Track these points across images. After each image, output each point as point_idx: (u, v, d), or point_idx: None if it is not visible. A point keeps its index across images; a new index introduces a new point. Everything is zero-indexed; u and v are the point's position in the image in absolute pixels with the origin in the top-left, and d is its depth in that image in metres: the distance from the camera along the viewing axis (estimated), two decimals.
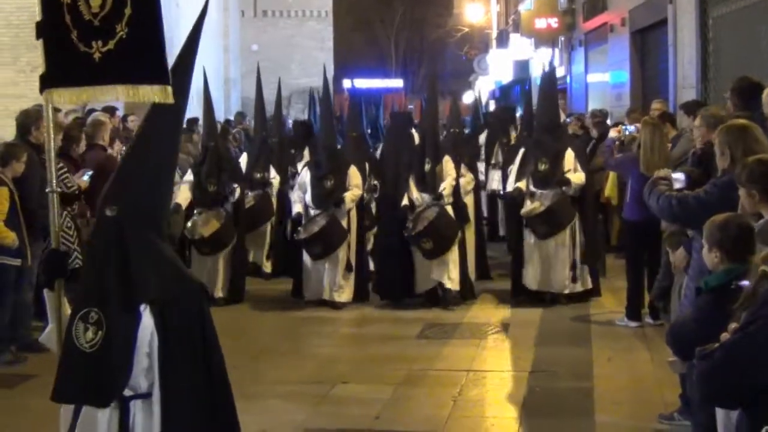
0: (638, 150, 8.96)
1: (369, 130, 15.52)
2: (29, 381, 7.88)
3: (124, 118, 14.66)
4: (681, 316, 5.33)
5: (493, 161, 14.80)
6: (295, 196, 11.11)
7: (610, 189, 13.22)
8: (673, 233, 6.17)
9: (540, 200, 10.43)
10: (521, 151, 11.15)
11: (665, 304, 7.18)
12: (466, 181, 11.83)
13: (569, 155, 10.51)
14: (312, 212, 10.74)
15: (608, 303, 10.44)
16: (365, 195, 11.44)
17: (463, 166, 11.75)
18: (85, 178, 9.52)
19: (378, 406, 7.11)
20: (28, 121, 8.84)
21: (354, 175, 10.78)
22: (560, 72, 24.83)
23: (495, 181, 14.17)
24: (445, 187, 10.60)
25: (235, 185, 11.19)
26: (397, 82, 47.80)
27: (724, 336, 3.59)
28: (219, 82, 29.71)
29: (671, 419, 6.51)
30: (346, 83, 43.04)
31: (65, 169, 9.09)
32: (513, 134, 14.65)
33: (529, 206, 10.50)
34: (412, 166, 10.81)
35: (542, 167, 10.46)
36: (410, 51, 51.38)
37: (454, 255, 10.51)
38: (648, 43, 18.00)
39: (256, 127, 13.71)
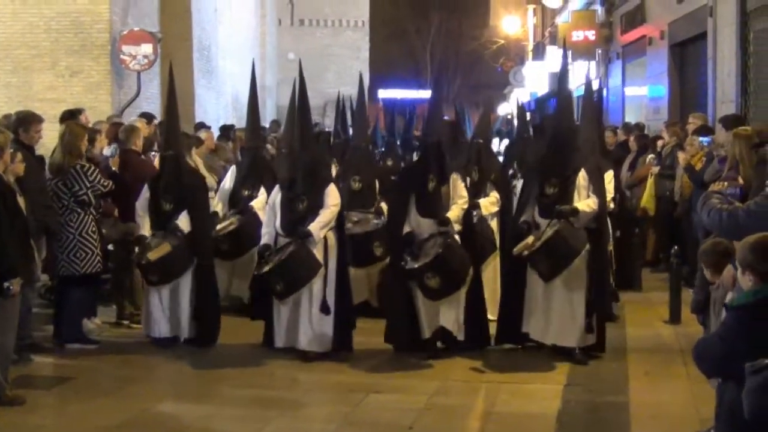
0: (735, 166, 8.06)
1: (399, 142, 15.11)
2: (65, 384, 7.97)
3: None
4: (708, 334, 5.38)
5: None
6: (265, 219, 9.10)
7: (646, 200, 13.03)
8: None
9: (539, 234, 8.51)
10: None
11: (704, 319, 7.11)
12: (490, 201, 10.14)
13: (581, 177, 8.62)
14: (281, 241, 8.81)
15: (646, 319, 10.32)
16: (375, 221, 10.30)
17: (489, 183, 10.24)
18: (108, 152, 10.10)
19: (412, 416, 7.05)
20: (17, 123, 9.02)
21: (332, 194, 8.80)
22: (596, 85, 24.78)
23: None
24: (454, 211, 8.66)
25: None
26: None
27: None
28: None
29: None
30: (381, 93, 43.13)
31: (96, 170, 9.24)
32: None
33: (523, 242, 8.54)
34: (413, 186, 8.84)
35: (550, 191, 8.60)
36: (445, 62, 51.38)
37: (462, 295, 8.69)
38: (687, 56, 17.91)
39: (247, 137, 11.35)
